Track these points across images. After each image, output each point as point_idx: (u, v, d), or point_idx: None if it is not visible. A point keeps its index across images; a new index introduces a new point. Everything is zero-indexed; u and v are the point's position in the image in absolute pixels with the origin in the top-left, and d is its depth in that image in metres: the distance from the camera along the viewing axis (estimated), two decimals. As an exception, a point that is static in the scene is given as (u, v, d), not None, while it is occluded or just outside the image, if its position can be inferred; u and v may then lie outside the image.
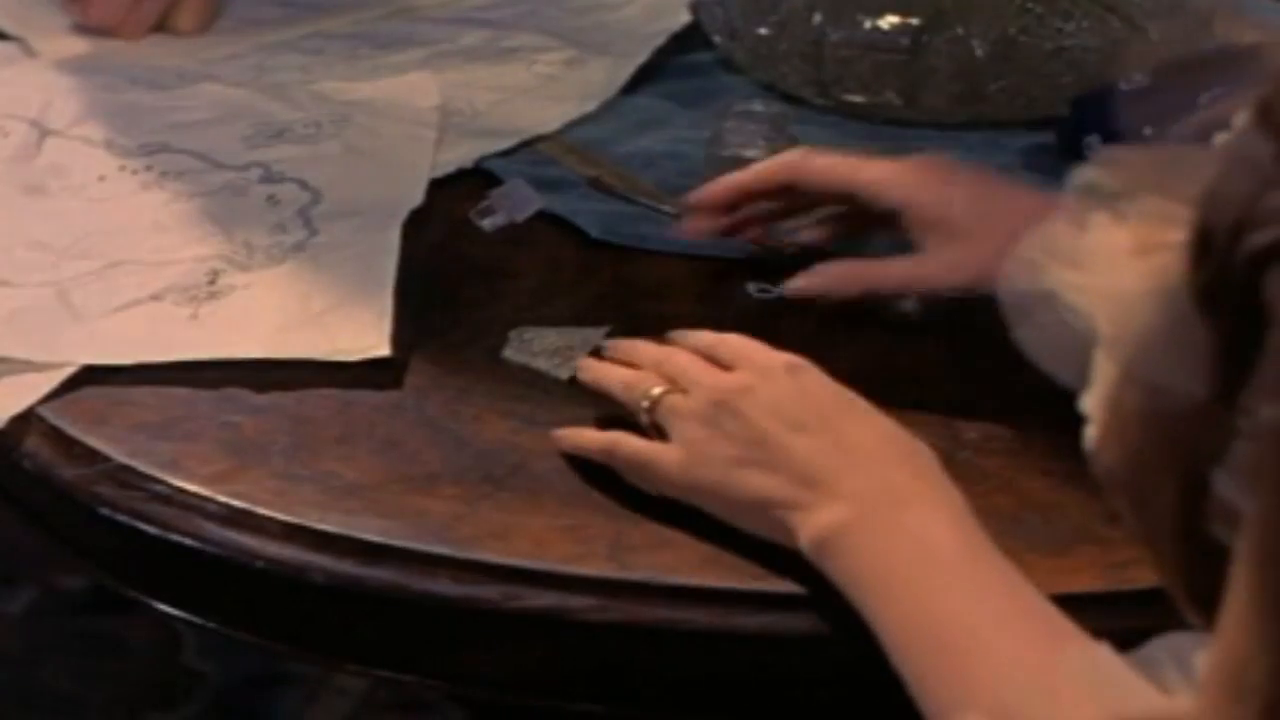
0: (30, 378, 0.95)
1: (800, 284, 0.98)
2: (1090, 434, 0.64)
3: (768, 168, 1.01)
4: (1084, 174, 0.68)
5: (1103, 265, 0.66)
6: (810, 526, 0.80)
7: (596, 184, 1.10)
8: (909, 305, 0.97)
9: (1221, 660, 0.56)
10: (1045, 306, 0.71)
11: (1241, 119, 0.56)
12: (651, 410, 0.86)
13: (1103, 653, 0.69)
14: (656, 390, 0.87)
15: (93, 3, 1.29)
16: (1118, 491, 0.64)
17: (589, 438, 0.88)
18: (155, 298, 1.00)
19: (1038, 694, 0.70)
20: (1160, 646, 0.69)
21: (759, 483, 0.82)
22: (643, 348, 0.91)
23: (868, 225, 1.00)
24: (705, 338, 0.89)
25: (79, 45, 1.28)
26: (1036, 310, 0.72)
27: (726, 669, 0.83)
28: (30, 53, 1.28)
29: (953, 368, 0.96)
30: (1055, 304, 0.69)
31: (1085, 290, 0.67)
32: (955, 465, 0.88)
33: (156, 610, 0.92)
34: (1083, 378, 0.65)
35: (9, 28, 1.31)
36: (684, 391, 0.86)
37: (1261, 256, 0.53)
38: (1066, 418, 0.65)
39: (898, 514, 0.79)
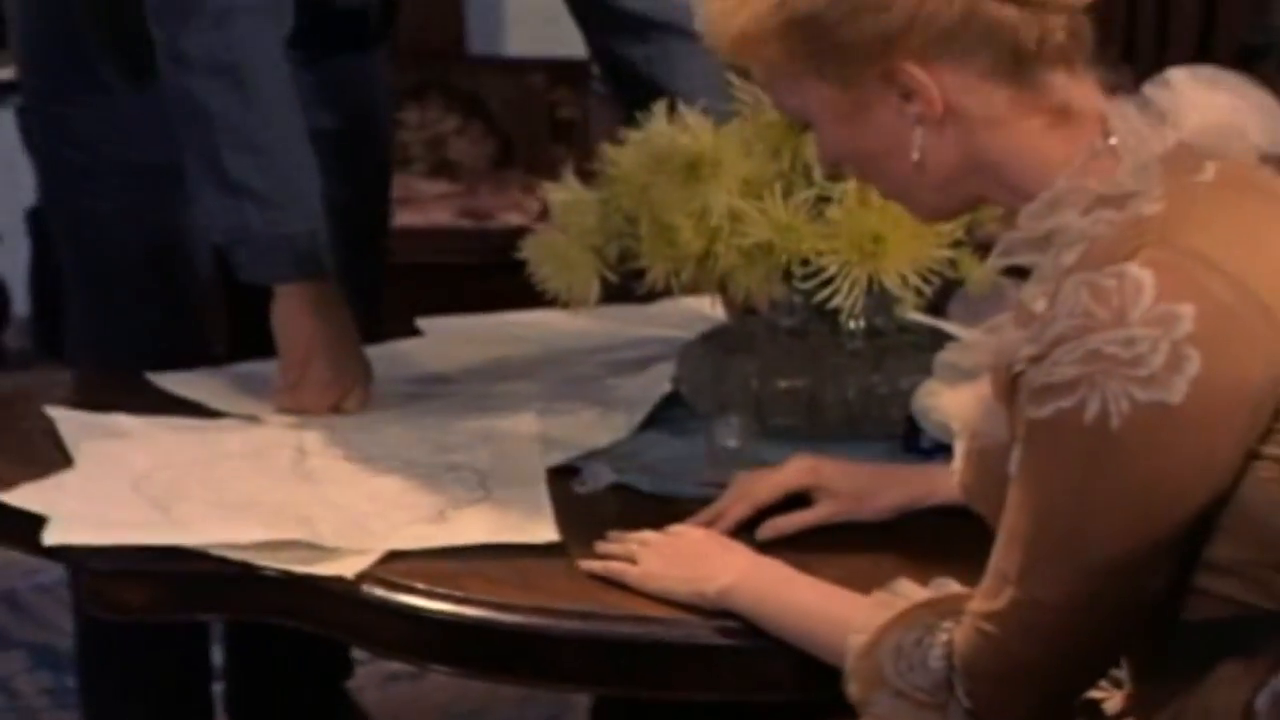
0: (356, 557, 1.68)
1: (769, 532, 1.75)
2: (957, 475, 1.46)
3: (740, 496, 1.78)
4: (944, 353, 1.52)
5: (951, 394, 1.49)
6: (714, 589, 1.58)
7: (640, 467, 1.90)
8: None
9: (1005, 531, 1.36)
10: (930, 416, 1.54)
11: (1008, 318, 1.39)
12: (633, 558, 1.66)
13: (909, 583, 1.50)
14: (635, 547, 1.67)
15: (296, 395, 2.07)
16: (972, 498, 1.45)
17: (598, 565, 1.66)
18: (410, 523, 1.75)
19: (882, 605, 1.47)
20: (938, 584, 1.49)
21: (681, 573, 1.61)
22: (631, 535, 1.70)
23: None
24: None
25: (289, 418, 2.05)
26: (928, 417, 1.56)
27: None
28: (257, 421, 2.05)
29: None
30: (933, 414, 1.53)
31: (948, 408, 1.50)
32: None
33: None
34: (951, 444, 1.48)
35: (234, 409, 2.08)
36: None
37: (1019, 377, 1.35)
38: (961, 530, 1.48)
39: (761, 572, 1.59)
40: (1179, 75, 1.44)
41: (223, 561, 1.70)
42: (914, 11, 1.39)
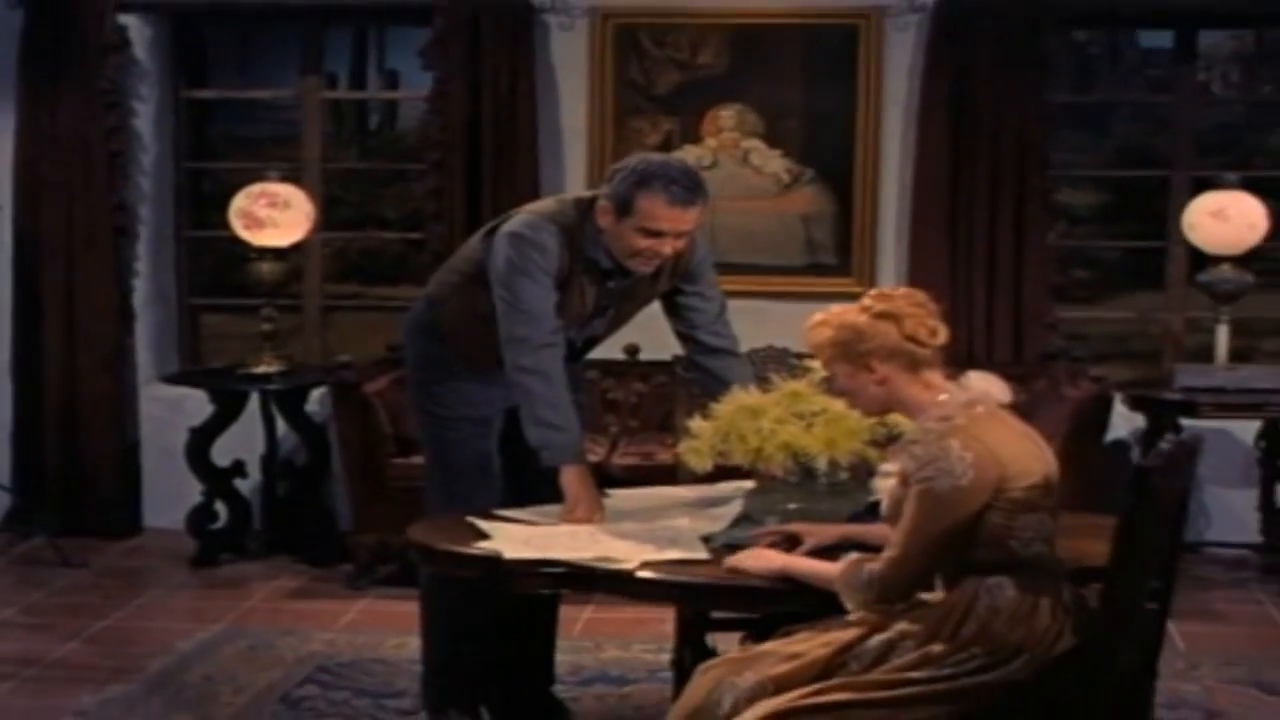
0: (629, 564, 4.25)
1: (801, 553, 4.35)
2: (884, 510, 4.10)
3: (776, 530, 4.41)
4: (883, 467, 4.19)
5: (885, 482, 4.14)
6: (775, 568, 4.19)
7: (732, 537, 4.48)
8: None
9: (899, 527, 3.98)
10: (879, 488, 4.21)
11: (906, 456, 4.03)
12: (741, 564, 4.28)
13: (856, 554, 4.12)
14: (741, 557, 4.27)
15: (573, 516, 4.65)
16: (888, 519, 4.11)
17: (730, 564, 4.25)
18: (648, 553, 4.32)
19: (844, 562, 4.09)
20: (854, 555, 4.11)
21: (759, 566, 4.21)
22: (737, 557, 4.29)
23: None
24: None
25: (572, 525, 4.63)
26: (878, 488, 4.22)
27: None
28: (556, 524, 4.62)
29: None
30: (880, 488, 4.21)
31: (885, 487, 4.15)
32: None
33: None
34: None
35: (543, 521, 4.65)
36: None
37: (909, 476, 3.99)
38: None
39: (794, 560, 4.21)
40: (972, 374, 4.10)
41: (577, 566, 4.26)
42: (880, 343, 4.03)
